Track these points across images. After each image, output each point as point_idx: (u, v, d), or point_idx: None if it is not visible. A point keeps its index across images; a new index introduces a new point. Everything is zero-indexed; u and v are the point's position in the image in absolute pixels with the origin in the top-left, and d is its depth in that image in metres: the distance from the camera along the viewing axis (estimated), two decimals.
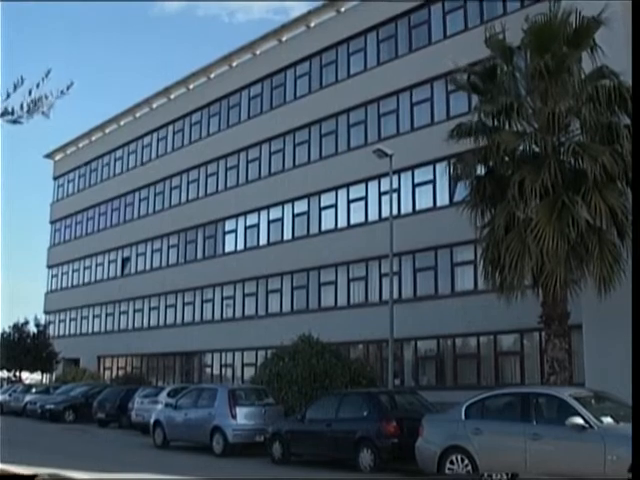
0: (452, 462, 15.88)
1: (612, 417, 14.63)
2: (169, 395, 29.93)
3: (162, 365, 48.29)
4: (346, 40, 37.56)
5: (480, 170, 21.98)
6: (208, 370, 44.42)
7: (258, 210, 41.10)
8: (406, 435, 18.39)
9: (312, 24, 40.02)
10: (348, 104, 36.52)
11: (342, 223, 36.34)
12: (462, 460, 15.72)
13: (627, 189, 20.14)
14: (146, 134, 52.33)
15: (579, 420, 14.18)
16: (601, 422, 14.27)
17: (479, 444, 15.55)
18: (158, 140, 51.22)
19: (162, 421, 26.17)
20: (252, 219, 41.73)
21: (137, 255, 51.75)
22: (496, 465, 14.85)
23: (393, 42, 35.42)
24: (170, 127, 49.96)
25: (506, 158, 20.77)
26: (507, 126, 21.17)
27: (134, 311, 51.11)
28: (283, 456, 21.56)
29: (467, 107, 27.80)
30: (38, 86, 9.67)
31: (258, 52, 43.29)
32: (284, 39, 41.63)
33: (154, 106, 52.23)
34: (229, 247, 43.50)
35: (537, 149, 20.65)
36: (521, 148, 20.72)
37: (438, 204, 31.76)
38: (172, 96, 50.24)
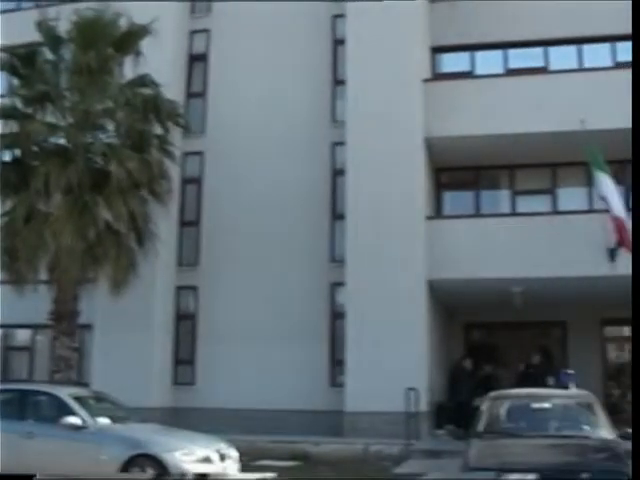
0: None
1: (109, 418, 14.84)
2: None
3: None
4: None
5: (8, 156, 21.29)
6: None
7: None
8: None
9: None
10: None
11: None
12: None
13: (150, 197, 20.77)
14: None
15: (75, 419, 14.16)
16: (96, 422, 14.40)
17: None
18: None
19: None
20: None
21: None
22: None
23: None
24: None
25: (35, 148, 20.32)
26: (41, 116, 20.68)
27: None
28: None
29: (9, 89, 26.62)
30: None
31: None
32: None
33: None
34: None
35: (68, 144, 20.49)
36: (52, 141, 20.42)
37: None
38: None
